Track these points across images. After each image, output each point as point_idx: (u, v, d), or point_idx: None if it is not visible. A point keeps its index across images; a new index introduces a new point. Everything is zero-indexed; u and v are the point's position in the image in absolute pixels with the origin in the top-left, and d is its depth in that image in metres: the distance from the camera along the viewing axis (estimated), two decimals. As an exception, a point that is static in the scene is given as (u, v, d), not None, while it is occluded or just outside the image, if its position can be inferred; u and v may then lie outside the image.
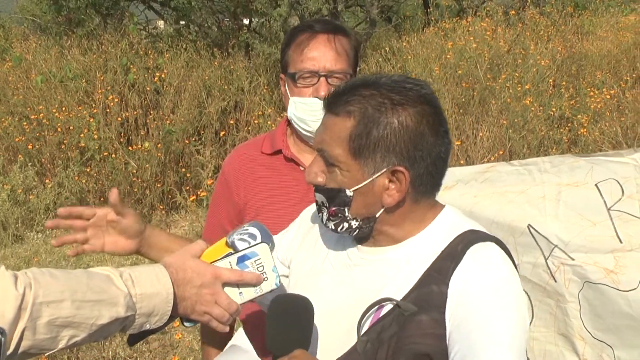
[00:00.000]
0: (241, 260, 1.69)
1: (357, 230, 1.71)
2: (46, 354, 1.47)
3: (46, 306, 1.40)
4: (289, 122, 2.47)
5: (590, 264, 2.19)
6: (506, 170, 2.42)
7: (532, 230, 2.28)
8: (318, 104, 2.30)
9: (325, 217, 1.72)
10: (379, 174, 1.64)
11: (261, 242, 1.72)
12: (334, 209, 1.68)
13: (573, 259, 2.21)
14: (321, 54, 2.33)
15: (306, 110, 2.35)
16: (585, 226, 2.22)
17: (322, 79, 2.32)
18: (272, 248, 1.74)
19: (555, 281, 2.25)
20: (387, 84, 1.65)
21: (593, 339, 2.21)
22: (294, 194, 2.41)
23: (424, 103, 1.65)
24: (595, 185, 2.25)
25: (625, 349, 2.16)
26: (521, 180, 2.36)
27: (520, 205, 2.32)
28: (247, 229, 1.76)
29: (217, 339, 2.59)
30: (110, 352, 5.23)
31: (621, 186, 2.21)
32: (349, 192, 1.66)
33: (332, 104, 1.68)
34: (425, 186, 1.69)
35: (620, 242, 2.17)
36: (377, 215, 1.69)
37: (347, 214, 1.68)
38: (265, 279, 1.70)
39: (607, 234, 2.19)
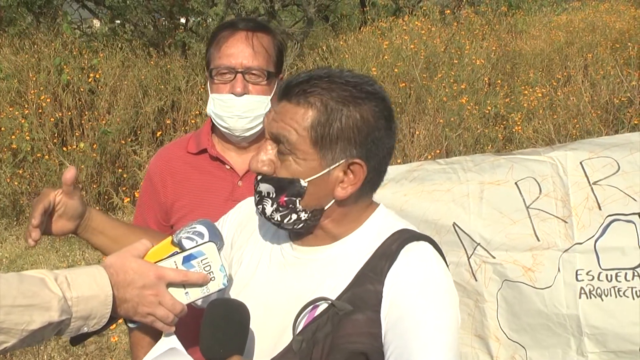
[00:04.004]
0: (187, 259, 1.65)
1: (303, 223, 1.70)
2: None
3: None
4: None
5: (510, 262, 2.23)
6: (433, 168, 2.45)
7: (457, 228, 2.31)
8: (233, 100, 2.31)
9: (270, 209, 1.69)
10: (337, 164, 1.64)
11: (208, 241, 1.68)
12: (285, 199, 1.66)
13: (494, 257, 2.25)
14: (238, 51, 2.33)
15: (222, 107, 2.35)
16: (506, 224, 2.26)
17: (239, 75, 2.33)
18: (220, 247, 1.70)
19: (476, 280, 2.28)
20: (344, 78, 1.66)
21: (507, 339, 2.24)
22: (221, 192, 2.41)
23: (380, 99, 1.67)
24: (515, 183, 2.29)
25: (538, 350, 2.20)
26: (447, 178, 2.39)
27: (447, 204, 2.35)
28: (194, 227, 1.72)
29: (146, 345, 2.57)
30: (46, 356, 5.14)
31: (539, 184, 2.26)
32: (303, 182, 1.64)
33: (289, 93, 1.66)
34: (372, 183, 1.70)
35: (538, 240, 2.21)
36: (325, 208, 1.69)
37: (298, 205, 1.66)
38: (213, 278, 1.66)
39: (526, 232, 2.23)
